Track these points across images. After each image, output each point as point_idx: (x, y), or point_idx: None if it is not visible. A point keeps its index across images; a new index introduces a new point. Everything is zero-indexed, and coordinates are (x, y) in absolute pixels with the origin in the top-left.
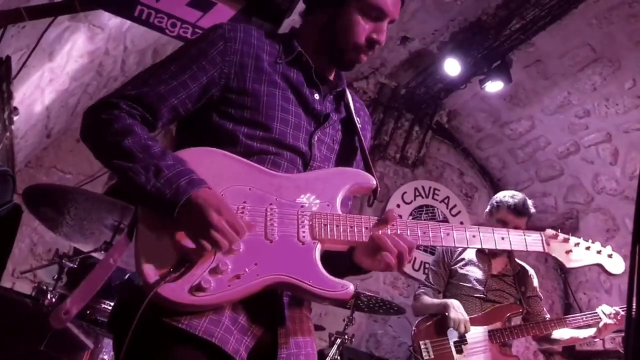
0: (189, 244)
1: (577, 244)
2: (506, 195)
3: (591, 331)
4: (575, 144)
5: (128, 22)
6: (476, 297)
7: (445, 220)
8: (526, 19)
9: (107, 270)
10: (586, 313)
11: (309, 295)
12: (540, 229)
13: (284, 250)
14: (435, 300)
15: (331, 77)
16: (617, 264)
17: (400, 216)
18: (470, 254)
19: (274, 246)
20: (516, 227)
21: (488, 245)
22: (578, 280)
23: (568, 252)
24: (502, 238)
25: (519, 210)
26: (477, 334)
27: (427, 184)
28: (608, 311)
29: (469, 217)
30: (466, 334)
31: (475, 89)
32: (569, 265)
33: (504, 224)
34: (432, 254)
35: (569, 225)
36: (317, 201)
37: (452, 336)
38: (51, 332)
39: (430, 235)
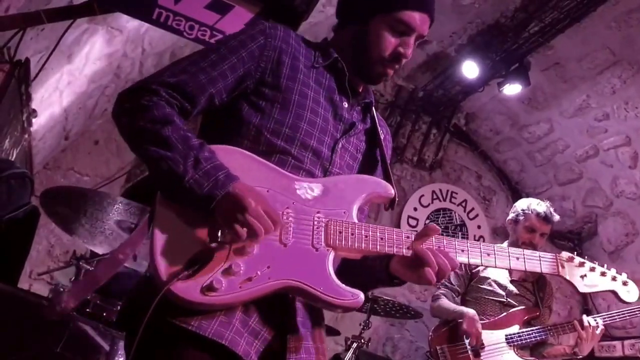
0: (206, 241)
1: (592, 269)
2: (532, 203)
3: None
4: (594, 147)
5: (146, 25)
6: (496, 300)
7: (462, 223)
8: (545, 21)
9: (115, 266)
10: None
11: (319, 302)
12: (558, 233)
13: (297, 255)
14: (453, 306)
15: (360, 90)
16: (631, 292)
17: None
18: None
19: (287, 250)
20: (543, 234)
21: (502, 264)
22: None
23: (582, 276)
24: (517, 258)
25: (547, 217)
26: (495, 338)
27: (444, 187)
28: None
29: (486, 221)
30: (483, 339)
31: (494, 92)
32: (581, 290)
33: (531, 231)
34: None
35: (588, 229)
36: (334, 208)
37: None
38: (68, 334)
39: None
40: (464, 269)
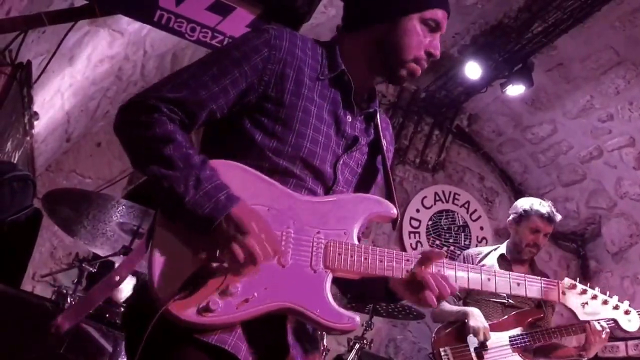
0: (203, 261)
1: (594, 297)
2: (534, 204)
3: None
4: (597, 148)
5: (147, 27)
6: (498, 302)
7: (465, 225)
8: (548, 22)
9: (111, 289)
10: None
11: (315, 325)
12: (562, 234)
13: (294, 277)
14: (456, 307)
15: (365, 97)
16: (632, 321)
17: (447, 256)
18: (492, 260)
19: (285, 272)
20: (546, 235)
21: (503, 290)
22: (601, 286)
23: (583, 304)
24: (518, 284)
25: (551, 218)
26: (498, 340)
27: (447, 188)
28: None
29: (489, 223)
30: (487, 341)
31: (496, 93)
32: (582, 318)
33: (535, 232)
34: (452, 259)
35: (591, 231)
36: (334, 228)
37: (473, 342)
38: (70, 336)
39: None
40: None
